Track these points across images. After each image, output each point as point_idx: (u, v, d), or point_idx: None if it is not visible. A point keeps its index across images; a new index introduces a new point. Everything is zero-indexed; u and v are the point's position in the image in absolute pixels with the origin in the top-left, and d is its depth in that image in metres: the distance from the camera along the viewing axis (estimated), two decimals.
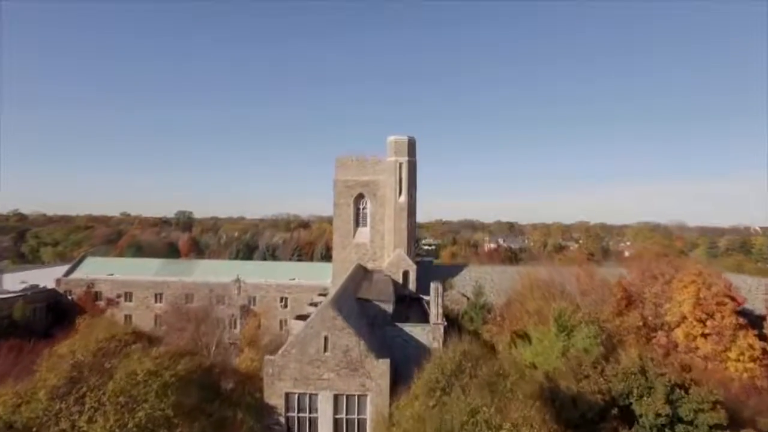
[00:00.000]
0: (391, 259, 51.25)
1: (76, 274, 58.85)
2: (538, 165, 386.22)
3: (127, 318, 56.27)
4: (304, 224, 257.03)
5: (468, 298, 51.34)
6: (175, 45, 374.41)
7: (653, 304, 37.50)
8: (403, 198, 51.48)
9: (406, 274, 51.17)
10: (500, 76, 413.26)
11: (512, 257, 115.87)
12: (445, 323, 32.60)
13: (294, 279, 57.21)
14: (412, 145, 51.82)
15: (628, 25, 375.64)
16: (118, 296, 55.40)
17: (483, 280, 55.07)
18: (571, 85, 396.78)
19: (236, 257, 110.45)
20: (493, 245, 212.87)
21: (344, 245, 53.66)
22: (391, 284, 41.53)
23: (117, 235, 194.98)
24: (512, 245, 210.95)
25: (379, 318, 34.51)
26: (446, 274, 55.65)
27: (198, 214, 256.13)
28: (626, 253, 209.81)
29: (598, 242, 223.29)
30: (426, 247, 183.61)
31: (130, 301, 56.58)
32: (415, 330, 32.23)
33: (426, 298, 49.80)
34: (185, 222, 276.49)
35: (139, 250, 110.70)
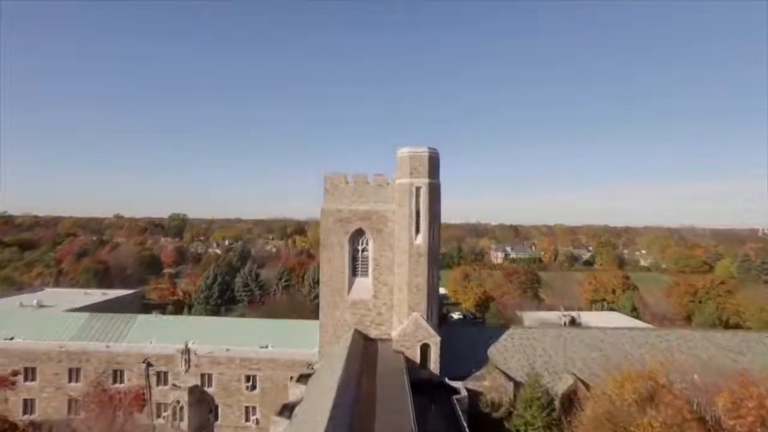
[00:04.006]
0: (405, 328, 35.04)
1: None
2: (538, 165, 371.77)
3: (27, 404, 39.81)
4: (301, 228, 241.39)
5: (516, 383, 35.31)
6: (175, 45, 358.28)
7: None
8: (422, 239, 35.18)
9: (425, 349, 35.07)
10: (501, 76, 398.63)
11: (535, 280, 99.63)
12: None
13: (266, 347, 40.69)
14: (434, 162, 35.40)
15: (629, 25, 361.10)
16: (16, 373, 38.85)
17: (533, 351, 39.09)
18: (571, 86, 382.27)
19: (214, 282, 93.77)
20: (500, 254, 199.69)
21: (336, 303, 37.49)
22: (409, 404, 25.24)
23: (99, 243, 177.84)
24: (521, 254, 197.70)
25: None
26: (479, 341, 39.63)
27: (194, 215, 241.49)
28: (642, 262, 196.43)
29: (611, 250, 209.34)
30: None
31: (34, 379, 40.04)
32: None
33: (454, 385, 33.81)
34: (177, 226, 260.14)
35: (98, 274, 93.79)
